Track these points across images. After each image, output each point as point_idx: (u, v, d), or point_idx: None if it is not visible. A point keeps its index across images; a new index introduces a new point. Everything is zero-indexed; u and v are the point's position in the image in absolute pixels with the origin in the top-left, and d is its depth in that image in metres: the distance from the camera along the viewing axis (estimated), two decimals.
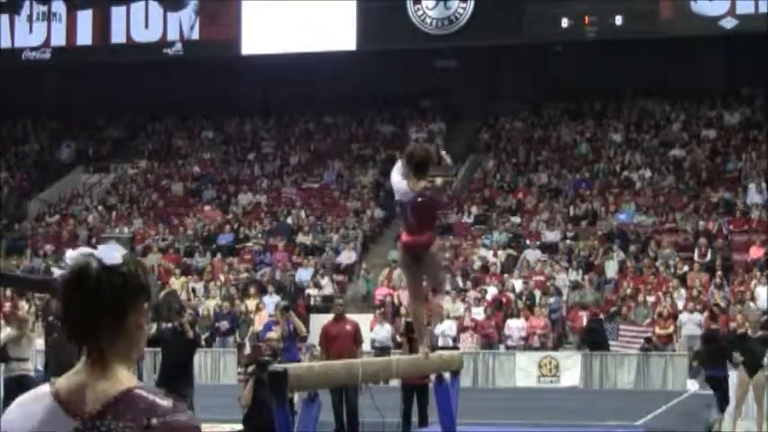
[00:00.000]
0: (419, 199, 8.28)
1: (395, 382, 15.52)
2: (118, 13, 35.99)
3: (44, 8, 36.40)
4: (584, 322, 25.10)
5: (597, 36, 32.50)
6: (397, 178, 8.48)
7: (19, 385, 14.85)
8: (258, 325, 24.07)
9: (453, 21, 33.43)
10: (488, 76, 36.93)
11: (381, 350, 23.72)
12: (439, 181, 8.56)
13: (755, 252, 27.00)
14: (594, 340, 24.54)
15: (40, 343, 17.94)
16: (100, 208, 34.35)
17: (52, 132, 40.18)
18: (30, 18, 36.46)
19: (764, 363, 15.18)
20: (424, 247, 8.38)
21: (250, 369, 12.51)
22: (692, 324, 24.19)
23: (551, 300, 25.93)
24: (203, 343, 24.20)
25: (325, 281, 28.25)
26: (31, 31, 36.45)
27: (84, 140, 39.40)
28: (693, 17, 31.67)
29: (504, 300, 26.16)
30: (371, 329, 24.92)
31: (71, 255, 2.41)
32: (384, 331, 25.03)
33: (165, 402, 2.33)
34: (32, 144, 39.82)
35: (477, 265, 28.32)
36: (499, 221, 30.49)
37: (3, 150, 38.56)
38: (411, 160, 8.41)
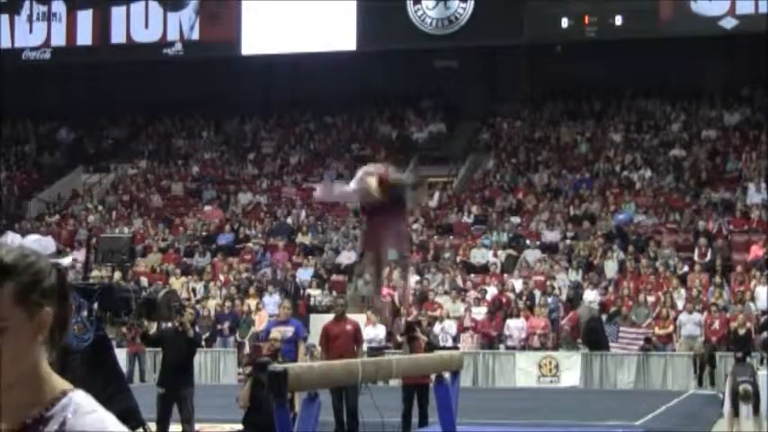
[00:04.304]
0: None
1: (395, 382, 15.53)
2: (118, 13, 36.00)
3: (44, 8, 36.40)
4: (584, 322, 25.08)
5: (597, 36, 32.50)
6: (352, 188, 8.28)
7: None
8: (258, 325, 24.08)
9: (453, 21, 33.43)
10: (488, 76, 36.92)
11: (376, 351, 23.61)
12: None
13: (755, 252, 26.98)
14: (594, 340, 24.53)
15: None
16: (100, 208, 34.34)
17: (52, 132, 40.17)
18: (30, 18, 36.46)
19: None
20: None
21: (248, 370, 12.51)
22: (691, 324, 24.18)
23: (550, 299, 25.93)
24: (203, 343, 24.23)
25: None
26: (31, 31, 36.45)
27: (84, 141, 39.39)
28: (693, 17, 31.67)
29: (504, 300, 26.14)
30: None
31: None
32: (378, 331, 24.93)
33: None
34: (32, 144, 39.82)
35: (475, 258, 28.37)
36: (499, 221, 30.49)
37: (3, 150, 38.54)
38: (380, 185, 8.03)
